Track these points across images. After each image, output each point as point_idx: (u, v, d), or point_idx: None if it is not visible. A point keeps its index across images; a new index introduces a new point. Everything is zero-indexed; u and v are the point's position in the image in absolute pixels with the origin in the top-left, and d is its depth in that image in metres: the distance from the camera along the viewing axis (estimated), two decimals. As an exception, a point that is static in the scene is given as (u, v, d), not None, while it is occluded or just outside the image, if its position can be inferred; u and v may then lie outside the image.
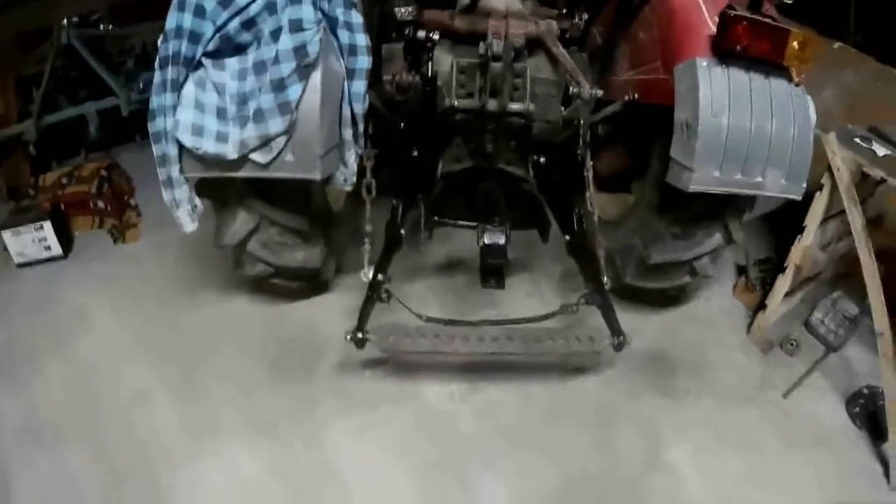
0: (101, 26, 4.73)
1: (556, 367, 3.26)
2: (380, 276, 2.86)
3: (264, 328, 3.40)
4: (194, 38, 2.33)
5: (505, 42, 2.80)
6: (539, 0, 3.24)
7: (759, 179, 2.61)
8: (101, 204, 4.11)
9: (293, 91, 2.31)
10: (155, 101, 2.39)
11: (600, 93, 3.00)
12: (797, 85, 2.58)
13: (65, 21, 4.39)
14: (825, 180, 3.04)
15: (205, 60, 2.37)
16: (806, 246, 3.18)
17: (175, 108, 2.38)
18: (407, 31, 3.05)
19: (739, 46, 2.47)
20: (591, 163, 3.20)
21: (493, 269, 3.11)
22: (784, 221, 3.40)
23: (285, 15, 2.29)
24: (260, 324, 3.43)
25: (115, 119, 4.52)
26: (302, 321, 3.44)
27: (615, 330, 2.95)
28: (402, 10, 3.02)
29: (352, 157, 2.66)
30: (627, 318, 3.17)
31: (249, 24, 2.33)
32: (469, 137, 3.15)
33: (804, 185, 2.64)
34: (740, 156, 2.56)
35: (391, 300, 2.90)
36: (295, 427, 2.97)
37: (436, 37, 2.94)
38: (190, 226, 2.65)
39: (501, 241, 2.99)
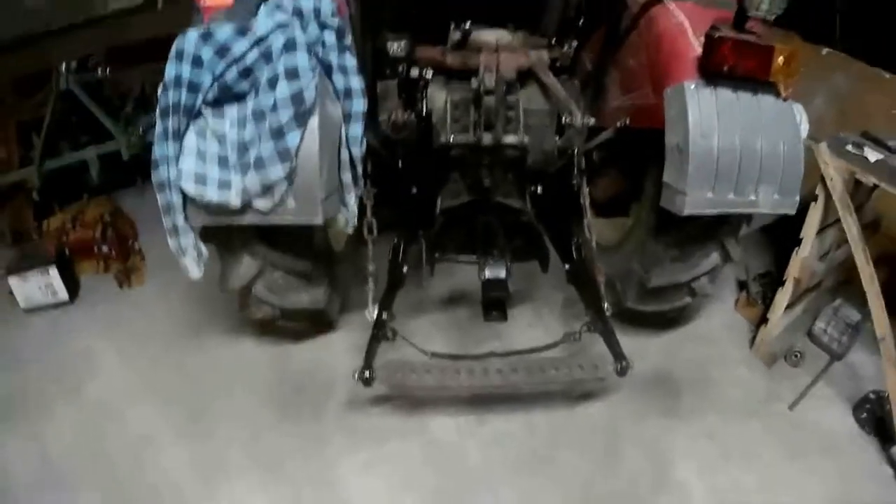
0: (99, 71, 4.76)
1: (560, 395, 3.27)
2: (384, 315, 2.89)
3: (271, 369, 3.42)
4: (193, 87, 2.36)
5: (497, 76, 2.84)
6: (529, 31, 3.27)
7: (752, 197, 2.63)
8: (105, 248, 4.14)
9: (292, 138, 2.34)
10: (157, 151, 2.42)
11: (592, 121, 3.05)
12: (785, 99, 2.62)
13: (63, 66, 4.43)
14: (819, 191, 3.06)
15: (204, 109, 2.41)
16: (804, 258, 3.20)
17: (177, 157, 2.41)
18: (400, 69, 3.09)
19: (726, 67, 2.50)
20: (588, 189, 3.24)
21: (495, 303, 3.12)
22: (783, 233, 3.41)
23: (281, 63, 2.33)
24: (267, 364, 3.45)
25: (116, 163, 4.54)
26: (308, 361, 3.45)
27: (618, 355, 2.98)
28: (395, 45, 3.06)
29: (352, 199, 2.69)
30: (630, 340, 3.19)
31: (246, 73, 2.36)
32: (466, 172, 3.17)
33: (797, 199, 2.67)
34: (732, 175, 2.58)
35: (396, 338, 2.94)
36: (303, 466, 2.98)
37: (429, 74, 2.99)
38: (196, 272, 2.68)
39: (502, 274, 3.04)
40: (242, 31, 2.33)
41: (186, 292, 3.76)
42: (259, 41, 2.33)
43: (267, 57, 2.35)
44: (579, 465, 3.01)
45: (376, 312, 2.88)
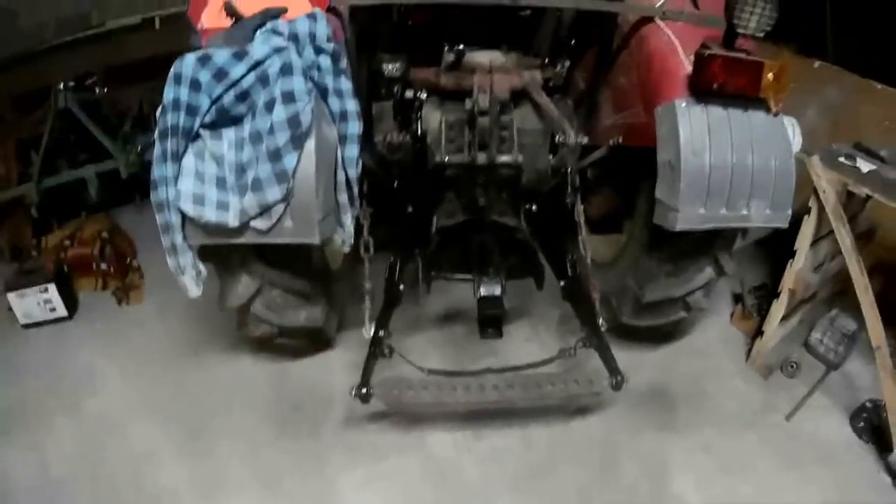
0: (97, 90, 4.80)
1: (557, 410, 3.29)
2: (381, 332, 2.92)
3: (269, 386, 3.44)
4: (191, 110, 2.38)
5: (490, 96, 2.88)
6: (522, 51, 3.30)
7: (744, 212, 2.66)
8: (103, 265, 4.17)
9: (289, 160, 2.36)
10: (156, 172, 2.44)
11: (585, 140, 3.08)
12: (776, 114, 2.64)
13: (61, 85, 4.46)
14: (812, 203, 3.09)
15: (202, 132, 2.43)
16: (798, 270, 3.22)
17: (176, 178, 2.43)
18: (395, 91, 3.12)
19: (716, 84, 2.53)
20: (582, 207, 3.28)
21: (490, 320, 3.15)
22: (778, 246, 3.43)
23: (277, 87, 2.35)
24: (265, 382, 3.47)
25: (114, 180, 4.58)
26: (306, 378, 3.48)
27: (613, 370, 3.01)
28: (391, 66, 3.09)
29: (348, 220, 2.71)
30: (626, 355, 3.24)
31: (244, 96, 2.39)
32: (461, 191, 3.21)
33: (789, 212, 2.70)
34: (723, 191, 2.61)
35: (393, 355, 2.96)
36: (302, 482, 3.00)
37: (423, 95, 3.01)
38: (195, 291, 2.69)
39: (497, 291, 3.07)
40: (239, 56, 2.35)
41: (185, 310, 3.78)
42: (256, 65, 2.36)
43: (264, 81, 2.37)
44: (576, 479, 3.03)
45: (373, 330, 2.91)
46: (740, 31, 2.57)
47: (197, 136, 2.44)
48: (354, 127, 2.61)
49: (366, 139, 2.85)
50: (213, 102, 2.38)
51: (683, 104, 2.61)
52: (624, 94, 3.12)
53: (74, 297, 4.09)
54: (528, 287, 3.33)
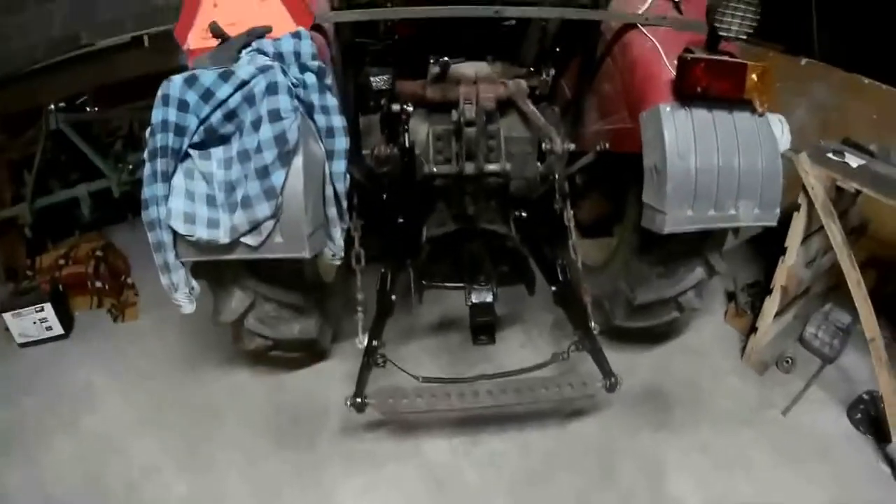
0: (87, 109, 4.81)
1: (553, 413, 3.31)
2: (374, 342, 2.94)
3: (266, 399, 3.46)
4: (180, 130, 2.41)
5: (477, 107, 2.91)
6: (507, 61, 3.33)
7: (733, 212, 2.68)
8: (98, 283, 4.18)
9: (277, 177, 2.38)
10: (147, 192, 2.45)
11: (572, 147, 3.11)
12: (761, 115, 2.66)
13: (52, 106, 4.48)
14: (802, 199, 3.11)
15: (191, 151, 2.45)
16: (790, 266, 3.24)
17: (167, 197, 2.45)
18: (382, 104, 3.14)
19: (700, 88, 2.55)
20: (572, 212, 3.30)
21: (483, 327, 3.18)
22: (770, 243, 3.45)
23: (264, 106, 2.38)
24: (262, 394, 3.48)
25: (106, 199, 4.60)
26: (302, 390, 3.49)
27: (606, 372, 3.04)
28: (377, 80, 3.12)
29: (338, 233, 2.73)
30: (621, 357, 3.28)
31: (231, 115, 2.41)
32: (450, 201, 3.24)
33: (778, 211, 2.72)
34: (711, 193, 2.63)
35: (387, 364, 2.98)
36: (301, 494, 3.02)
37: (410, 108, 3.02)
38: (189, 307, 2.70)
39: (489, 298, 3.10)
40: (226, 76, 2.37)
41: (181, 326, 3.79)
42: (242, 85, 2.38)
43: (250, 100, 2.39)
44: (574, 482, 3.05)
45: (366, 340, 2.93)
46: (722, 34, 2.59)
47: (186, 155, 2.46)
48: (341, 142, 2.63)
49: (354, 153, 2.88)
50: (201, 122, 2.41)
51: (668, 108, 2.63)
52: (609, 100, 3.14)
53: (70, 315, 4.09)
54: (521, 293, 3.35)
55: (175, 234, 2.49)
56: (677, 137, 2.60)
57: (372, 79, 3.11)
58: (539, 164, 3.28)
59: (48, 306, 3.87)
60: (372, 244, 3.09)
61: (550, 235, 3.33)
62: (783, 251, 3.25)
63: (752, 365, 3.60)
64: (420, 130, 3.15)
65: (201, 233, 2.45)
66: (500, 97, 3.09)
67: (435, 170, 3.09)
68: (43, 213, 4.53)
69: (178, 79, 2.38)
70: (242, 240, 2.47)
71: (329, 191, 2.64)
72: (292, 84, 2.44)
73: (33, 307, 3.85)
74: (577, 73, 3.39)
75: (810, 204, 3.08)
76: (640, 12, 2.84)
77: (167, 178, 2.45)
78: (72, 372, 3.70)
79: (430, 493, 3.02)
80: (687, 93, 2.59)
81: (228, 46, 2.52)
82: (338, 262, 2.86)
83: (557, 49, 3.32)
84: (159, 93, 2.40)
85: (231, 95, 2.39)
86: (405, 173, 3.08)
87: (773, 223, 2.75)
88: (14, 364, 3.81)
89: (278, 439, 3.24)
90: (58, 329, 3.95)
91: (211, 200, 2.47)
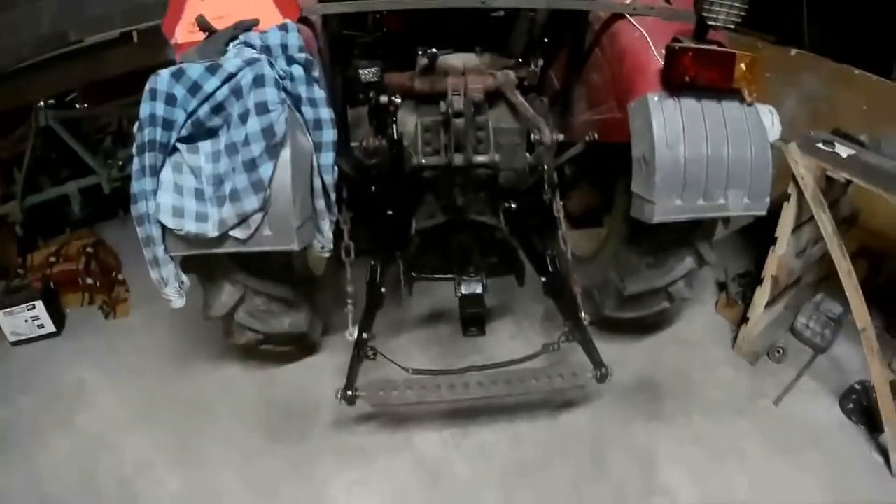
0: (77, 106, 4.80)
1: (544, 404, 3.32)
2: (364, 335, 2.94)
3: (258, 393, 3.45)
4: (167, 124, 2.41)
5: (465, 98, 2.91)
6: (496, 52, 3.33)
7: (722, 202, 2.68)
8: (89, 280, 4.16)
9: (265, 169, 2.38)
10: (135, 186, 2.45)
11: (561, 137, 3.11)
12: (750, 104, 2.67)
13: (42, 103, 4.47)
14: (791, 189, 3.12)
15: (179, 145, 2.45)
16: (780, 256, 3.25)
17: (155, 191, 2.45)
18: (371, 96, 3.15)
19: (688, 77, 2.55)
20: (562, 203, 3.30)
21: (472, 318, 3.18)
22: (761, 233, 3.46)
23: (251, 98, 2.37)
24: (253, 389, 3.48)
25: (97, 196, 4.59)
26: (294, 383, 3.49)
27: (597, 363, 3.05)
28: (367, 71, 3.12)
29: (326, 225, 2.73)
30: (612, 348, 3.29)
31: (218, 108, 2.41)
32: (439, 193, 3.24)
33: (767, 200, 2.72)
34: (700, 182, 2.63)
35: (377, 356, 2.99)
36: (295, 487, 3.02)
37: (398, 99, 3.01)
38: (178, 301, 2.71)
39: (478, 290, 3.11)
40: (213, 69, 2.37)
41: (172, 321, 3.80)
42: (229, 78, 2.38)
43: (237, 93, 2.39)
44: (566, 473, 3.06)
45: (357, 333, 2.93)
46: (710, 23, 2.59)
47: (174, 149, 2.46)
48: (329, 134, 2.62)
49: (343, 145, 2.87)
50: (189, 116, 2.41)
51: (656, 98, 2.63)
52: (598, 90, 3.13)
53: (62, 312, 4.09)
54: (511, 284, 3.36)
55: (164, 228, 2.49)
56: (666, 127, 2.60)
57: (360, 71, 3.11)
58: (528, 154, 3.28)
59: (39, 304, 3.87)
60: (361, 237, 3.09)
61: (540, 226, 3.33)
62: (774, 241, 3.26)
63: (744, 355, 3.61)
64: (408, 122, 3.15)
65: (190, 227, 2.45)
66: (488, 88, 3.09)
67: (424, 161, 3.09)
68: (33, 210, 4.51)
69: (165, 73, 2.38)
70: (231, 233, 2.47)
71: (317, 183, 2.63)
72: (279, 76, 2.44)
73: (24, 305, 3.84)
74: (565, 64, 3.40)
75: (800, 194, 3.08)
76: (627, 2, 2.84)
77: (155, 172, 2.45)
78: (65, 370, 3.70)
79: (422, 485, 3.03)
80: (675, 82, 2.59)
81: (216, 40, 2.52)
82: (327, 255, 2.86)
83: (546, 40, 3.32)
84: (147, 87, 2.40)
85: (218, 88, 2.39)
86: (394, 165, 3.08)
87: (763, 212, 2.75)
88: (7, 363, 3.80)
89: (270, 434, 3.24)
90: (49, 327, 3.93)
91: (199, 194, 2.47)
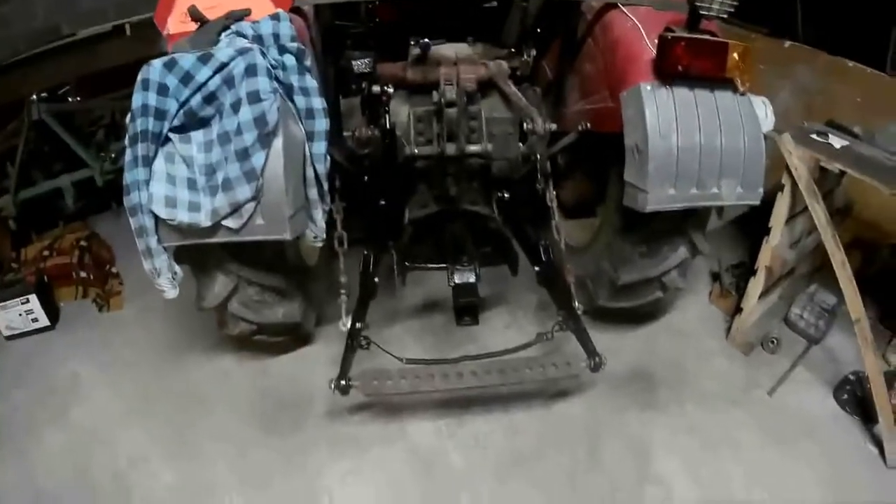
0: (70, 99, 4.79)
1: (539, 394, 3.32)
2: (358, 325, 2.94)
3: (252, 384, 3.45)
4: (160, 114, 2.41)
5: (457, 88, 2.91)
6: (489, 42, 3.33)
7: (715, 191, 2.69)
8: (83, 274, 4.16)
9: (257, 159, 2.38)
10: (128, 177, 2.45)
11: (553, 127, 3.11)
12: (743, 94, 2.67)
13: (34, 97, 4.45)
14: (785, 180, 3.12)
15: (172, 135, 2.45)
16: (774, 247, 3.26)
17: (148, 182, 2.45)
18: (363, 86, 3.14)
19: (681, 67, 2.56)
20: (554, 192, 3.30)
21: (466, 307, 3.19)
22: (755, 224, 3.46)
23: (243, 88, 2.37)
24: (247, 380, 3.48)
25: (90, 189, 4.58)
26: (288, 374, 3.49)
27: (591, 352, 3.05)
28: (360, 62, 3.12)
29: (319, 215, 2.73)
30: (606, 337, 3.31)
31: (210, 98, 2.41)
32: (432, 182, 3.24)
33: (760, 190, 2.73)
34: (693, 172, 2.64)
35: (371, 346, 2.98)
36: (289, 478, 3.02)
37: (390, 89, 3.01)
38: (172, 292, 2.71)
39: (471, 279, 3.11)
40: (205, 59, 2.37)
41: (165, 313, 3.79)
42: (221, 67, 2.38)
43: (229, 82, 2.39)
44: (561, 462, 3.07)
45: (350, 323, 2.93)
46: (703, 13, 2.59)
47: (166, 139, 2.46)
48: (321, 124, 2.62)
49: (335, 135, 2.87)
50: (181, 106, 2.42)
51: (649, 87, 2.64)
52: (590, 80, 3.15)
53: (56, 306, 4.08)
54: (504, 274, 3.37)
55: (157, 218, 2.49)
56: (658, 116, 2.60)
57: (353, 61, 3.11)
58: (521, 144, 3.29)
59: (33, 298, 3.86)
60: (354, 226, 3.08)
61: (533, 216, 3.33)
62: (767, 232, 3.27)
63: (738, 345, 3.62)
64: (401, 112, 3.15)
65: (182, 217, 2.46)
66: (480, 78, 3.10)
67: (416, 151, 3.09)
68: (27, 204, 4.50)
69: (157, 63, 2.39)
70: (224, 223, 2.47)
71: (310, 172, 2.64)
72: (271, 66, 2.44)
73: (18, 299, 3.84)
74: (558, 54, 3.41)
75: (794, 185, 3.09)
76: None
77: (148, 162, 2.46)
78: (59, 363, 3.69)
79: (416, 474, 3.03)
80: (668, 72, 2.60)
81: (208, 30, 2.52)
82: (319, 244, 2.86)
83: (538, 30, 3.32)
84: (139, 77, 2.41)
85: (210, 78, 2.39)
86: (386, 155, 3.08)
87: (756, 202, 2.76)
88: (1, 357, 3.79)
89: (264, 425, 3.24)
90: (44, 321, 3.93)
91: (192, 184, 2.47)
